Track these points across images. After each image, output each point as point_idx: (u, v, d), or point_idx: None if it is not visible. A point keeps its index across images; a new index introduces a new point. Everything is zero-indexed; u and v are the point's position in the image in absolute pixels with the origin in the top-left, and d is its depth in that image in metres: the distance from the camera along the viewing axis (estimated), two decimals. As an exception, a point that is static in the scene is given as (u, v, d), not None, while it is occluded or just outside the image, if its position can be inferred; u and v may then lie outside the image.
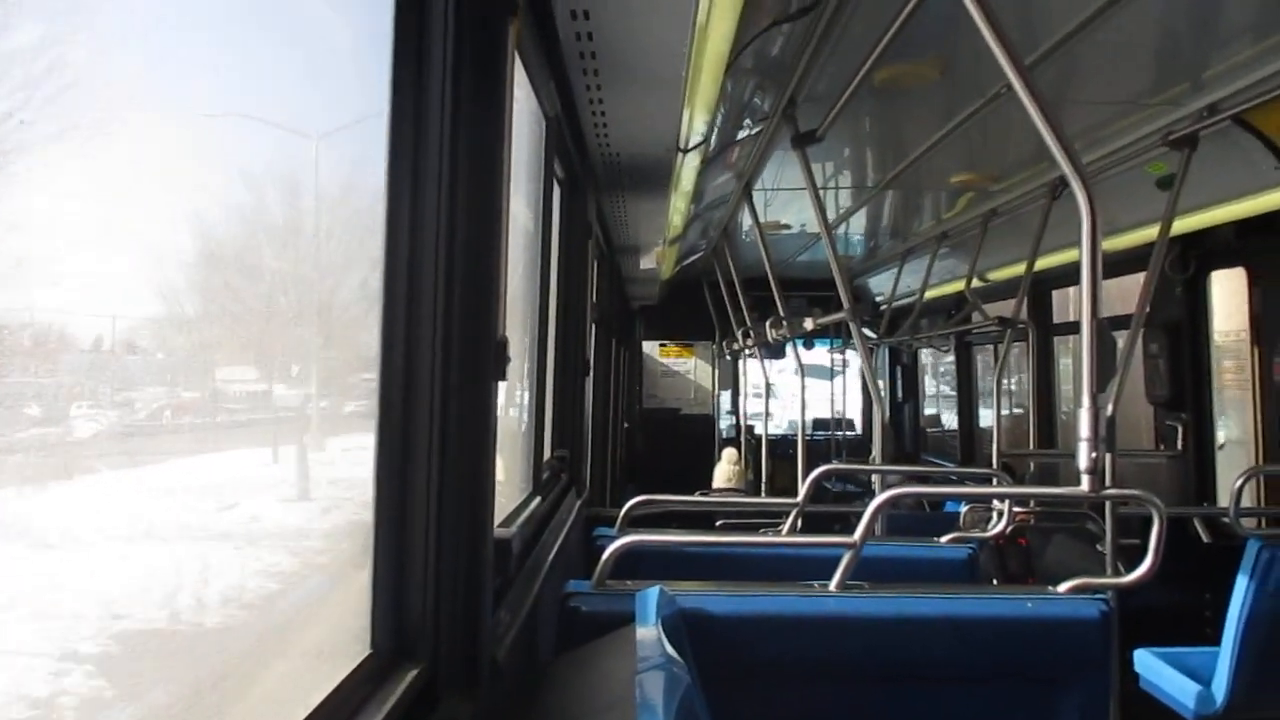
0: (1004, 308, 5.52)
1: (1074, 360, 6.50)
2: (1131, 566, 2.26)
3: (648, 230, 5.28)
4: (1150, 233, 3.77)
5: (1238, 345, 4.64)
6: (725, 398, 10.92)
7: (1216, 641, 3.39)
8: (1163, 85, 3.20)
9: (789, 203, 5.64)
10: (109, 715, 0.93)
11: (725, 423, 10.86)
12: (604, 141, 3.38)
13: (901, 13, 2.44)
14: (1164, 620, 4.02)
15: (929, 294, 6.77)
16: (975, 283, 5.85)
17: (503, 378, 1.72)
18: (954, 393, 8.65)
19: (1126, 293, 5.45)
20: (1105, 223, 2.14)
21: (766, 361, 7.25)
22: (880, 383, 9.20)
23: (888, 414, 7.10)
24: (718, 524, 5.03)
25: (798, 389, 6.17)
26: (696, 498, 5.20)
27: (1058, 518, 4.69)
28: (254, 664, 1.24)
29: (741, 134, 3.85)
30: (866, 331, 6.43)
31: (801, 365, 6.09)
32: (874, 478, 3.99)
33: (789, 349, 6.09)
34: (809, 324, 4.69)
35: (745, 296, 6.34)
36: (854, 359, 10.06)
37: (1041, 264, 4.89)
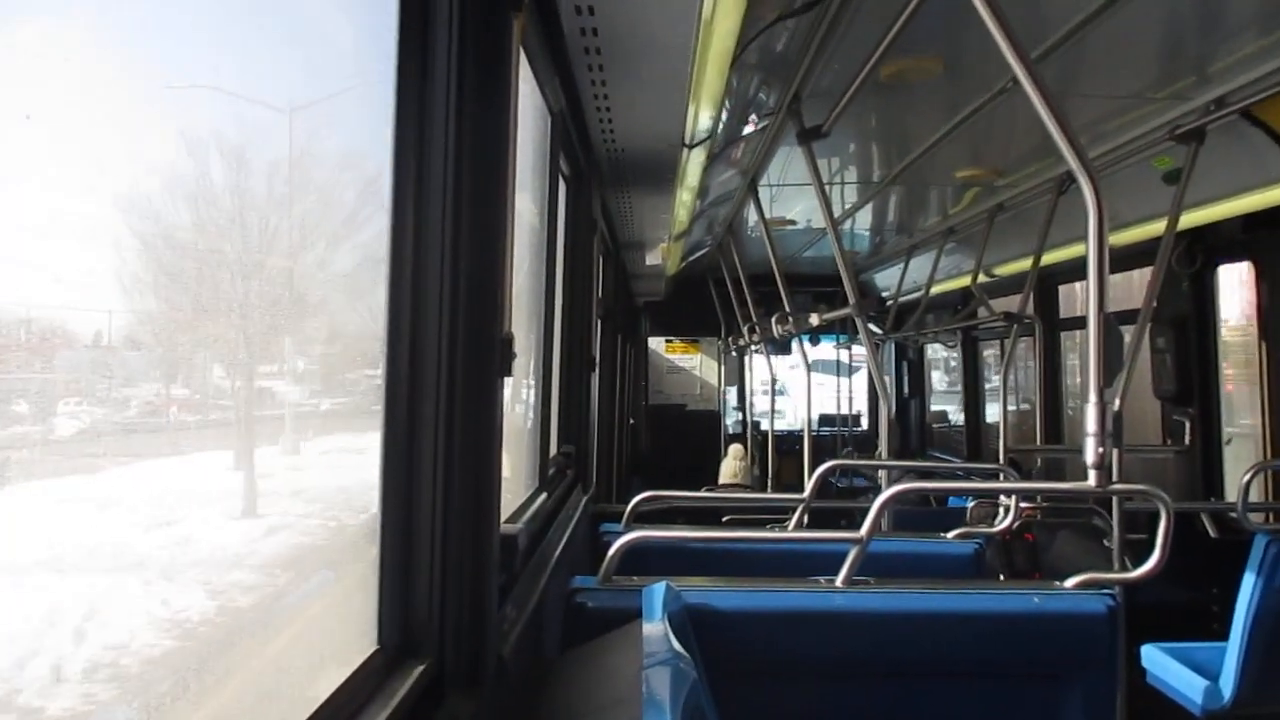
0: (1010, 303, 5.51)
1: (1081, 355, 6.48)
2: (1139, 562, 2.26)
3: (653, 226, 5.28)
4: (1157, 227, 3.76)
5: (1245, 339, 4.62)
6: (731, 393, 10.91)
7: (1224, 637, 3.38)
8: (1169, 79, 3.18)
9: (794, 198, 5.62)
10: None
11: (731, 419, 10.86)
12: (609, 137, 3.38)
13: (907, 7, 2.43)
14: (1171, 615, 4.02)
15: (935, 289, 6.76)
16: (981, 278, 5.84)
17: (508, 374, 1.71)
18: (960, 388, 8.64)
19: (1133, 287, 5.45)
20: (1112, 217, 2.13)
21: (774, 358, 7.24)
22: (886, 378, 9.18)
23: (894, 409, 7.10)
24: (724, 520, 5.02)
25: (804, 385, 6.16)
26: (702, 494, 5.18)
27: (1065, 513, 4.68)
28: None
29: (746, 129, 3.84)
30: (872, 327, 6.40)
31: (808, 361, 6.08)
32: (880, 473, 3.99)
33: (795, 345, 6.08)
34: (815, 319, 4.68)
35: (751, 292, 6.33)
36: (861, 354, 10.05)
37: (1048, 259, 4.88)
